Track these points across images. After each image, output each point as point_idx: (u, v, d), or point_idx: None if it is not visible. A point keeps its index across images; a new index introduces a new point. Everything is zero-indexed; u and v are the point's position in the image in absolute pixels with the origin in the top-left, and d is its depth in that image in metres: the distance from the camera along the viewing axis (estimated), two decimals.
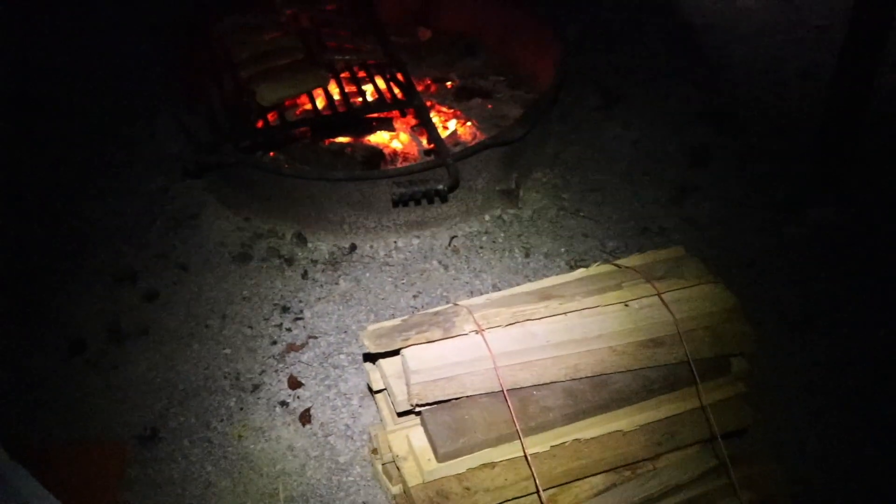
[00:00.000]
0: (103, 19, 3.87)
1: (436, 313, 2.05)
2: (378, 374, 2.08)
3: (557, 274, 2.75)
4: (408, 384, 1.94)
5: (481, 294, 2.72)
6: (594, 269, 2.23)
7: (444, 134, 3.20)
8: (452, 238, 2.91)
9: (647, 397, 2.05)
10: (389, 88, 3.05)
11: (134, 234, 2.99)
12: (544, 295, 2.08)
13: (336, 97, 3.02)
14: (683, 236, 2.89)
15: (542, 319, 2.03)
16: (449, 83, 3.50)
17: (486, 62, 3.63)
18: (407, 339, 1.97)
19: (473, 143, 3.13)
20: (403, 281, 2.80)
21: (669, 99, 3.47)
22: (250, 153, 3.02)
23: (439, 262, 2.85)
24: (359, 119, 3.04)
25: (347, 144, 3.10)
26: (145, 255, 2.92)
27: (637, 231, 2.92)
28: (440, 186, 2.63)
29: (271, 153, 3.16)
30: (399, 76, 3.07)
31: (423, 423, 1.97)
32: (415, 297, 2.75)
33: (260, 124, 3.03)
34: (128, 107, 3.48)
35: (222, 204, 3.06)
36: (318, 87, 2.95)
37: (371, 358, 2.07)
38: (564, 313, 2.04)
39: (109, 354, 2.64)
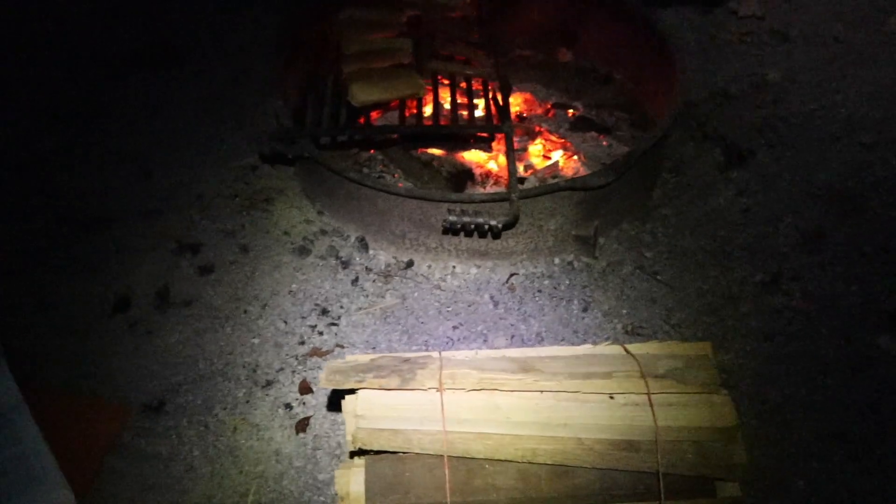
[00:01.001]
0: None
1: (406, 359, 1.95)
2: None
3: (609, 335, 2.58)
4: (353, 427, 1.86)
5: (522, 339, 2.60)
6: (600, 348, 2.04)
7: (544, 164, 3.06)
8: (512, 275, 2.77)
9: (609, 502, 1.86)
10: (487, 109, 2.92)
11: (211, 206, 3.04)
12: (525, 366, 1.93)
13: (429, 109, 2.93)
14: (760, 325, 2.62)
15: (513, 392, 1.88)
16: (571, 111, 3.33)
17: (618, 96, 3.43)
18: (361, 382, 1.88)
19: (574, 177, 2.98)
20: (449, 309, 2.70)
21: (801, 169, 3.13)
22: (332, 149, 3.00)
23: (491, 298, 2.72)
24: (449, 134, 2.94)
25: (438, 157, 3.01)
26: (214, 229, 2.96)
27: (710, 309, 2.67)
28: (494, 222, 2.50)
29: (371, 150, 3.13)
30: (500, 97, 2.93)
31: (366, 470, 1.88)
32: (455, 328, 2.64)
33: (362, 120, 3.00)
34: (249, 80, 3.54)
35: (303, 193, 3.06)
36: (413, 95, 2.87)
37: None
38: (540, 391, 1.88)
39: (148, 319, 2.70)
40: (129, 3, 4.02)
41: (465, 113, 2.96)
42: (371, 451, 1.89)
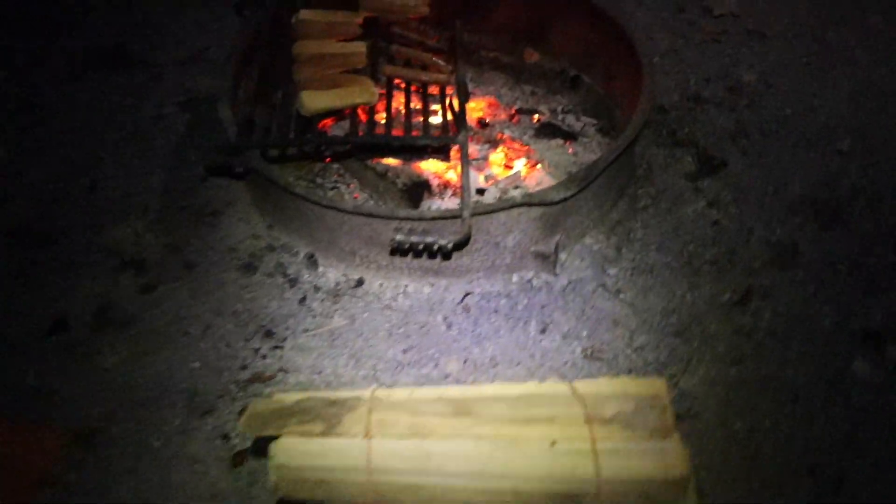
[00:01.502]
0: None
1: (333, 401, 1.82)
2: None
3: (567, 359, 2.45)
4: (275, 476, 1.74)
5: (475, 364, 2.47)
6: (546, 386, 1.91)
7: (505, 174, 2.92)
8: (466, 294, 2.64)
9: None
10: (444, 117, 2.77)
11: (158, 220, 2.90)
12: (462, 409, 1.80)
13: (385, 115, 2.78)
14: (728, 349, 2.48)
15: (446, 439, 1.75)
16: (536, 116, 3.19)
17: (586, 100, 3.28)
18: (282, 428, 1.75)
19: (536, 188, 2.85)
20: (400, 331, 2.56)
21: (774, 179, 3.00)
22: (283, 160, 2.87)
23: (444, 319, 2.59)
24: (399, 145, 2.80)
25: (394, 167, 2.87)
26: (158, 244, 2.82)
27: (675, 331, 2.54)
28: (444, 242, 2.35)
29: (327, 159, 2.99)
30: (456, 105, 2.77)
31: None
32: (405, 351, 2.51)
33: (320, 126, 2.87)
34: (204, 85, 3.41)
35: (253, 205, 2.92)
36: (365, 103, 2.72)
37: None
38: (475, 438, 1.75)
39: (86, 342, 2.56)
40: (85, 2, 3.89)
41: (421, 119, 2.80)
42: (296, 500, 1.76)
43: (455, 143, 2.62)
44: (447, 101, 2.81)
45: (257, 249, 2.78)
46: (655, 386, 1.88)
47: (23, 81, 3.54)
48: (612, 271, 2.71)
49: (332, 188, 2.93)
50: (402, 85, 2.90)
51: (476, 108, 3.20)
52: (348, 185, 2.93)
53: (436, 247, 2.37)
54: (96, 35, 3.77)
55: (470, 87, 3.32)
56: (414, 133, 2.72)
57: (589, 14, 3.17)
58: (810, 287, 2.65)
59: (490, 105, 3.24)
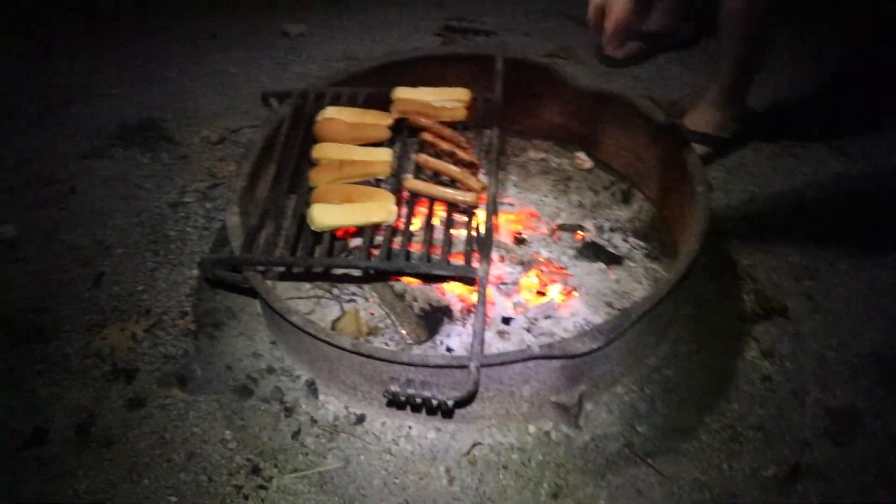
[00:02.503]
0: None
1: None
2: None
3: None
4: None
5: None
6: None
7: (537, 301, 2.65)
8: (475, 444, 2.37)
9: None
10: (469, 241, 2.48)
11: (157, 325, 2.71)
12: None
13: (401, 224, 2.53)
14: None
15: None
16: (580, 233, 2.90)
17: (635, 218, 2.99)
18: None
19: (571, 318, 2.59)
20: (396, 481, 2.31)
21: (841, 330, 2.66)
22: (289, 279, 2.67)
23: (446, 471, 2.33)
24: (413, 274, 2.56)
25: (413, 287, 2.63)
26: (154, 353, 2.64)
27: None
28: (443, 398, 2.10)
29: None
30: (481, 230, 2.48)
31: None
32: None
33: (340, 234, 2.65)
34: (230, 172, 3.23)
35: (260, 317, 2.70)
36: (381, 221, 2.47)
37: None
38: None
39: (62, 459, 2.38)
40: (124, 75, 3.76)
41: (443, 237, 2.53)
42: None
43: (474, 276, 2.35)
44: (473, 224, 2.54)
45: (255, 370, 2.56)
46: None
47: (45, 153, 3.40)
48: (643, 429, 2.41)
49: (349, 300, 2.70)
50: (427, 208, 2.62)
51: (514, 220, 2.93)
52: (367, 299, 2.70)
53: (435, 402, 2.11)
54: (129, 107, 3.63)
55: (513, 191, 3.07)
56: (433, 250, 2.47)
57: (646, 125, 2.89)
58: (870, 470, 2.31)
59: (530, 216, 2.97)
